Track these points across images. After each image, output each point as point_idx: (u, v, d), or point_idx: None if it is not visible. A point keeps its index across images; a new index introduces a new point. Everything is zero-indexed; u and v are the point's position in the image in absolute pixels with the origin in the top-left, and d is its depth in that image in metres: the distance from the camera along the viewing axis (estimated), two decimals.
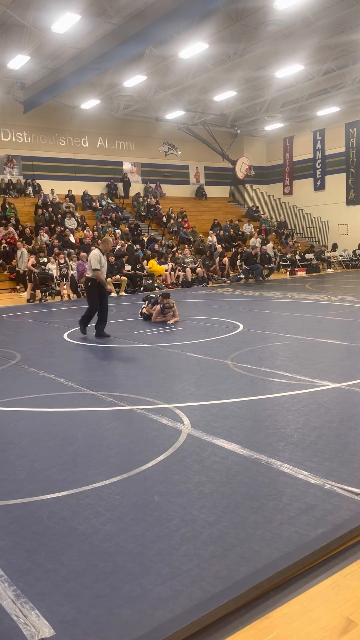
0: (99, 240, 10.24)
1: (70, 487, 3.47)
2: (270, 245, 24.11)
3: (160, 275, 18.57)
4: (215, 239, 23.58)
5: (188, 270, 19.26)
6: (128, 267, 18.08)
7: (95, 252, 9.25)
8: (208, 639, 2.18)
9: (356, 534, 2.84)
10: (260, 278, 20.16)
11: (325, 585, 2.48)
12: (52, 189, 23.36)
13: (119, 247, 19.20)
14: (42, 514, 3.13)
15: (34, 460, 3.93)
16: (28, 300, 15.58)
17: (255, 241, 23.47)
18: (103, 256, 9.24)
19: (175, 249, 21.65)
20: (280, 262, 23.67)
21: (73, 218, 21.91)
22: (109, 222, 22.82)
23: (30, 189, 23.49)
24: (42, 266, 16.52)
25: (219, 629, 2.23)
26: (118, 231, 21.80)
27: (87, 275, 9.42)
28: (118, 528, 2.94)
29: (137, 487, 3.42)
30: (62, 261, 16.67)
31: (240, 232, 25.74)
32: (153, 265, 18.59)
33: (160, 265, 18.94)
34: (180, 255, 20.46)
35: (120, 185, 26.34)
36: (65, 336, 9.38)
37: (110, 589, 2.43)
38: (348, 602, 2.37)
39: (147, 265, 18.59)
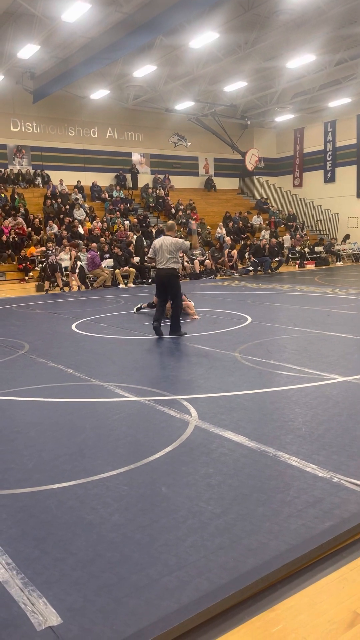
0: (164, 226, 8.75)
1: (78, 477, 3.48)
2: (287, 237, 24.07)
3: None
4: (224, 231, 23.49)
5: (196, 262, 19.21)
6: (137, 259, 18.06)
7: (175, 241, 8.11)
8: (214, 630, 2.18)
9: None
10: (269, 271, 20.09)
11: (332, 578, 2.48)
12: (61, 180, 23.34)
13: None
14: (50, 503, 3.15)
15: (42, 450, 3.95)
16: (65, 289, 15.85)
17: (264, 233, 23.38)
18: None
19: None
20: (289, 255, 23.57)
21: (82, 209, 21.90)
22: (118, 213, 22.79)
23: (39, 180, 23.49)
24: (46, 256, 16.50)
25: (225, 620, 2.23)
26: (127, 222, 21.77)
27: (173, 267, 8.10)
28: (125, 518, 2.95)
29: (144, 478, 3.42)
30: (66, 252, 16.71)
31: (249, 225, 25.61)
32: None
33: None
34: (199, 245, 20.37)
35: (129, 176, 26.27)
36: (73, 327, 9.40)
37: (117, 579, 2.44)
38: (355, 596, 2.36)
39: None
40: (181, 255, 9.20)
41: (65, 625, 2.16)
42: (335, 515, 2.90)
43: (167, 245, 8.05)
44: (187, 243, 8.26)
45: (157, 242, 8.22)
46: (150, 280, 17.23)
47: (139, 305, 11.15)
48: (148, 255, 8.45)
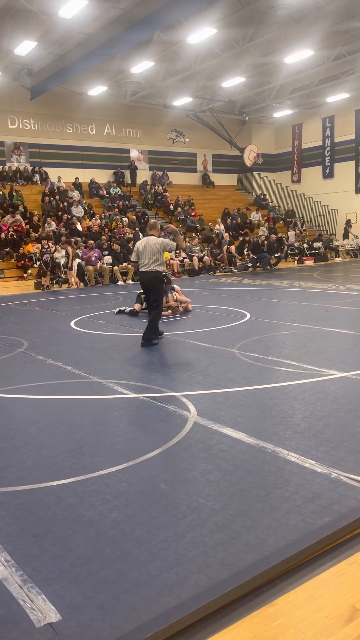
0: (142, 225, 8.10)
1: (77, 474, 3.48)
2: (292, 233, 24.07)
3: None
4: (222, 227, 23.46)
5: (195, 258, 19.19)
6: None
7: (160, 240, 7.55)
8: (214, 626, 2.19)
9: None
10: (268, 267, 20.08)
11: (331, 573, 2.49)
12: (59, 177, 23.28)
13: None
14: (49, 501, 3.15)
15: (41, 447, 3.95)
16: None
17: (262, 229, 23.38)
18: None
19: (182, 237, 21.56)
20: (288, 251, 23.55)
21: (80, 206, 21.85)
22: (116, 210, 22.74)
23: (37, 177, 23.42)
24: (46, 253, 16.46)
25: (224, 615, 2.24)
26: (125, 219, 21.73)
27: (158, 269, 7.46)
28: (124, 515, 2.95)
29: (143, 475, 3.43)
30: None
31: (248, 221, 25.58)
32: None
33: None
34: (187, 243, 20.38)
35: (127, 172, 26.22)
36: (72, 324, 9.39)
37: (117, 575, 2.45)
38: (354, 591, 2.37)
39: None
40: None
41: (64, 622, 2.17)
42: (333, 511, 2.90)
43: (152, 246, 7.41)
44: (174, 243, 7.68)
45: (139, 243, 7.59)
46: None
47: (122, 308, 10.50)
48: (131, 260, 7.89)
